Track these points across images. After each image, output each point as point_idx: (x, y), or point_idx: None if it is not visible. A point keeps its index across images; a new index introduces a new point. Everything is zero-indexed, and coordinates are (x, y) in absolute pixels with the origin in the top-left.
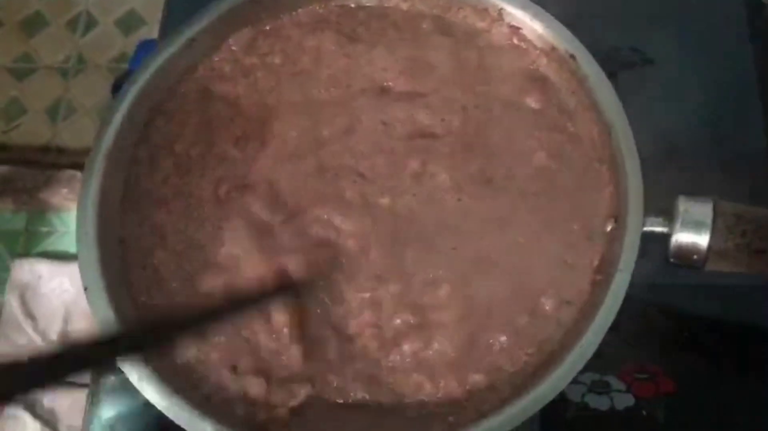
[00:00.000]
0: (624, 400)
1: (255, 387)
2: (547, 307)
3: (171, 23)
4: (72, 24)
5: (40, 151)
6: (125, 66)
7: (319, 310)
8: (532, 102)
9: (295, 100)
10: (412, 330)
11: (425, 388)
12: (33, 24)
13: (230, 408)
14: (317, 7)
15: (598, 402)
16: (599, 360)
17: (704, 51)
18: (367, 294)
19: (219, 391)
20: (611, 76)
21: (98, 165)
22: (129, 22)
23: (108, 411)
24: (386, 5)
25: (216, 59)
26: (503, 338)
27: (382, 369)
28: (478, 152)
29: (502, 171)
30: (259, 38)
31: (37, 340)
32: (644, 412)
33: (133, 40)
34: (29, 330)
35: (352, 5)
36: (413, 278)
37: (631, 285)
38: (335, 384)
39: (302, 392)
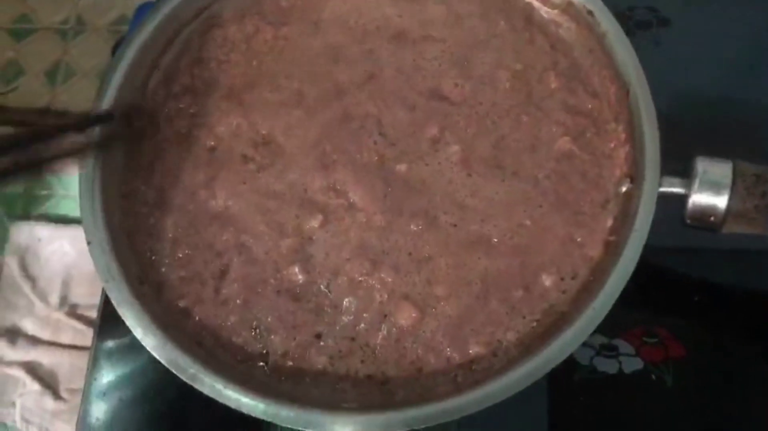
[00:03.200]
0: (632, 364)
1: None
2: (547, 283)
3: None
4: None
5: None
6: (125, 28)
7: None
8: (552, 78)
9: (310, 46)
10: (406, 304)
11: (428, 359)
12: None
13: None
14: None
15: (607, 366)
16: (608, 324)
17: (720, 8)
18: (363, 275)
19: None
20: (628, 35)
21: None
22: None
23: (108, 374)
24: None
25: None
26: (502, 311)
27: (379, 343)
28: (492, 132)
29: (514, 156)
30: None
31: (37, 303)
32: (653, 376)
33: (133, 2)
34: (29, 292)
35: None
36: (410, 255)
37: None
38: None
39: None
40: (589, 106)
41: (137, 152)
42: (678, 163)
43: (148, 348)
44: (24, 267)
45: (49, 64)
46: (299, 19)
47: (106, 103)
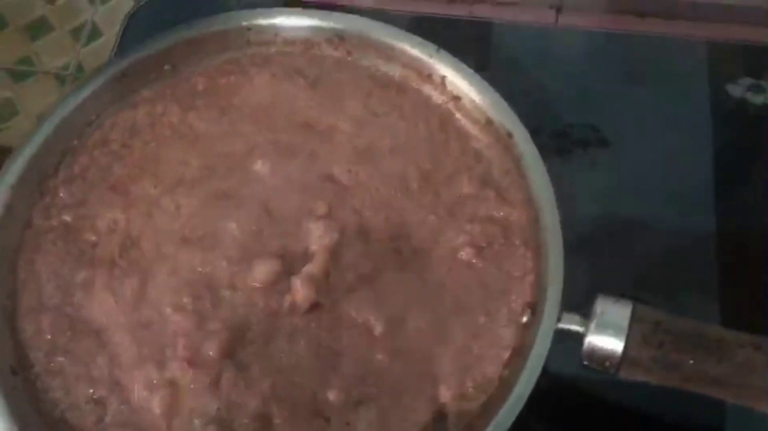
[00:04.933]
0: None
1: None
2: (447, 397)
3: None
4: (76, 32)
5: None
6: None
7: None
8: (464, 182)
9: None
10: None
11: None
12: (37, 28)
13: None
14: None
15: None
16: None
17: (663, 137)
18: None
19: None
20: (564, 152)
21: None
22: None
23: None
24: (317, 53)
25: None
26: None
27: None
28: (390, 212)
29: (414, 247)
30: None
31: None
32: None
33: None
34: None
35: (288, 49)
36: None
37: (548, 375)
38: None
39: None
40: (501, 213)
41: (19, 239)
42: (582, 297)
43: None
44: None
45: (43, 108)
46: (209, 104)
47: (12, 174)
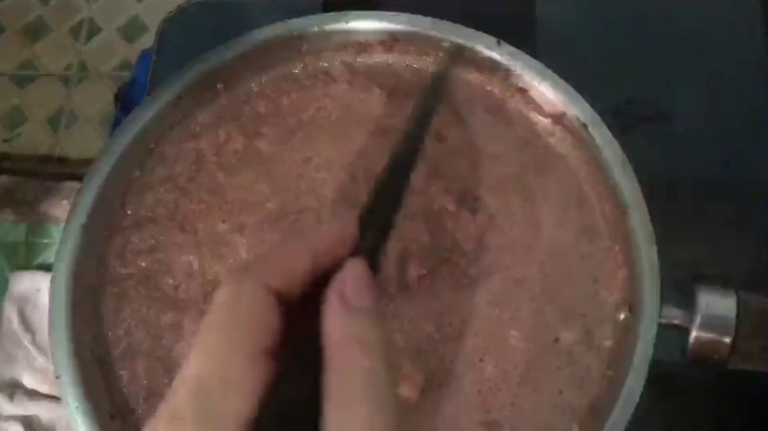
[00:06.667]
0: None
1: None
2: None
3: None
4: (75, 31)
5: (41, 160)
6: (128, 74)
7: None
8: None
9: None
10: None
11: None
12: (35, 30)
13: None
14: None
15: None
16: None
17: (725, 108)
18: None
19: None
20: (627, 130)
21: (73, 236)
22: (132, 29)
23: None
24: (372, 58)
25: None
26: None
27: None
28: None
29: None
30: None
31: (37, 355)
32: None
33: (136, 47)
34: (27, 343)
35: (340, 55)
36: None
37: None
38: None
39: None
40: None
41: (96, 279)
42: (675, 271)
43: None
44: (23, 318)
45: (51, 111)
46: (275, 124)
47: (80, 217)
